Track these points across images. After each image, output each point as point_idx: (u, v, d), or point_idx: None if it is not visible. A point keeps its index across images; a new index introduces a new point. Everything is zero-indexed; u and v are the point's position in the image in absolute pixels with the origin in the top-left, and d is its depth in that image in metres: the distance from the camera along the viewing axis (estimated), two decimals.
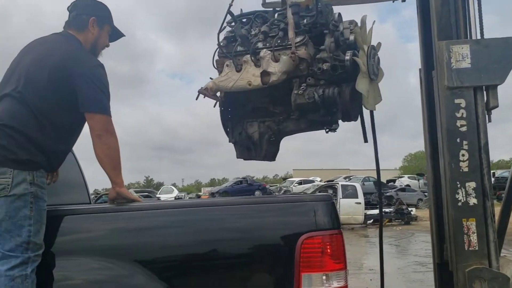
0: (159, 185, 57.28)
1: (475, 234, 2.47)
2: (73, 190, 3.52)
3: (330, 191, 17.54)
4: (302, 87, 2.68)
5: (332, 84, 2.67)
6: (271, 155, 2.97)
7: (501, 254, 3.64)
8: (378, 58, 2.85)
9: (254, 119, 2.91)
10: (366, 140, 2.94)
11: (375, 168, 3.11)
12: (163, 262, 2.11)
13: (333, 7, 2.84)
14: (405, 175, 40.84)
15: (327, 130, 2.89)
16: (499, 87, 2.56)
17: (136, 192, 26.40)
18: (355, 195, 17.00)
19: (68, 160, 3.48)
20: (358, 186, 17.83)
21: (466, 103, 2.53)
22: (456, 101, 2.53)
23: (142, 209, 2.31)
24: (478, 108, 2.53)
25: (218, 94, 2.87)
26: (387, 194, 23.25)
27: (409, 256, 10.09)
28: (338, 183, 18.42)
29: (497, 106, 2.55)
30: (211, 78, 2.85)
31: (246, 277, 2.08)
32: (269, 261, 2.08)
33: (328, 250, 1.99)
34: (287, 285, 1.98)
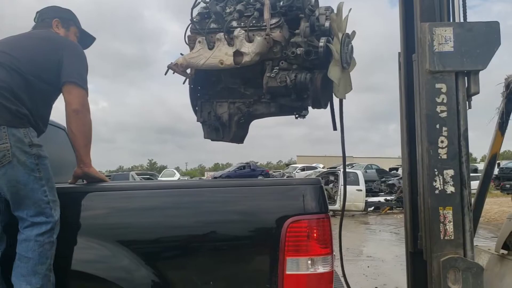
0: (162, 169, 57.11)
1: (451, 223, 2.41)
2: (68, 171, 3.51)
3: (332, 178, 17.48)
4: (274, 70, 2.65)
5: (304, 69, 2.63)
6: (239, 138, 2.96)
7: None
8: (352, 47, 2.79)
9: (224, 99, 2.88)
10: (335, 128, 2.89)
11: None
12: (147, 244, 2.09)
13: None
14: None
15: (296, 116, 2.88)
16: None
17: (138, 174, 26.43)
18: (356, 182, 16.89)
19: (62, 140, 3.47)
20: (360, 173, 17.76)
21: (447, 88, 2.44)
22: (437, 85, 2.45)
23: (124, 189, 2.30)
24: (459, 94, 2.45)
25: (189, 71, 2.82)
26: (389, 182, 23.14)
27: None
28: (340, 170, 18.31)
29: (478, 93, 2.47)
30: (181, 54, 2.80)
31: (230, 260, 2.05)
32: (254, 244, 2.05)
33: (315, 235, 1.96)
34: (271, 269, 1.95)
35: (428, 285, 2.50)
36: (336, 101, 2.87)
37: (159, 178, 29.45)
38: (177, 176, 32.90)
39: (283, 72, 2.64)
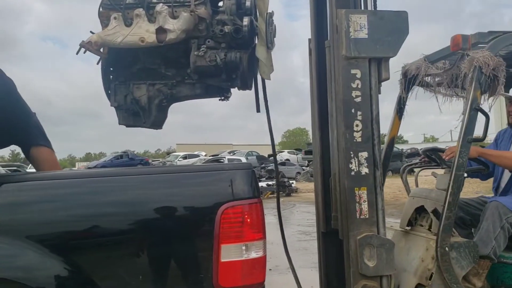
0: (26, 160, 51.99)
1: (366, 202, 2.53)
2: None
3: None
4: (202, 49, 2.53)
5: (232, 48, 2.55)
6: (159, 122, 2.78)
7: None
8: (275, 26, 2.78)
9: (142, 81, 2.67)
10: (258, 110, 2.86)
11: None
12: (61, 237, 1.86)
13: None
14: (285, 150, 42.61)
15: (222, 98, 2.80)
16: None
17: (2, 167, 23.75)
18: None
19: None
20: (244, 160, 18.20)
21: (362, 74, 2.54)
22: (352, 71, 2.53)
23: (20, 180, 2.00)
24: (371, 80, 2.56)
25: (102, 50, 2.56)
26: (269, 167, 24.04)
27: (293, 226, 10.51)
28: (224, 157, 18.56)
29: (388, 79, 2.61)
30: (92, 32, 2.53)
31: (161, 251, 1.91)
32: (186, 234, 1.95)
33: (248, 220, 1.92)
34: (206, 258, 1.88)
35: (345, 262, 2.61)
36: (259, 83, 2.83)
37: (27, 170, 26.81)
38: None
39: (212, 51, 2.53)
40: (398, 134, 3.74)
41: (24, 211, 1.86)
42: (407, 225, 3.35)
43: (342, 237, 2.65)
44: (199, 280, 1.91)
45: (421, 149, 4.04)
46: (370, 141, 2.56)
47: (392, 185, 15.33)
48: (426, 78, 3.36)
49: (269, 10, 2.71)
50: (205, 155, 33.08)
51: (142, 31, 2.45)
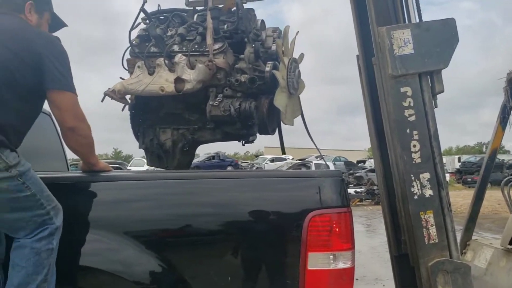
0: (127, 158, 54.43)
1: (434, 226, 2.37)
2: (52, 158, 3.39)
3: (304, 169, 17.58)
4: (218, 98, 2.55)
5: (250, 96, 2.55)
6: (185, 165, 2.83)
7: (473, 237, 3.63)
8: (299, 72, 2.72)
9: (167, 125, 2.75)
10: (284, 152, 2.81)
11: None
12: (152, 236, 1.98)
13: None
14: None
15: (243, 142, 2.80)
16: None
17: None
18: None
19: (47, 127, 3.30)
20: (331, 165, 17.89)
21: (413, 91, 2.40)
22: (402, 90, 2.41)
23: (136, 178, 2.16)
24: (424, 95, 2.42)
25: (128, 96, 2.68)
26: (357, 174, 23.41)
27: (381, 236, 10.13)
28: (311, 162, 18.39)
29: (442, 91, 2.44)
30: (121, 78, 2.66)
31: (249, 254, 1.97)
32: (274, 238, 1.97)
33: (336, 229, 1.90)
34: (293, 265, 1.88)
35: None
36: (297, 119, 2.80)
37: (128, 168, 28.36)
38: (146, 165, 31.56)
39: (227, 100, 2.54)
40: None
41: (124, 209, 2.00)
42: (510, 244, 3.08)
43: (413, 264, 2.50)
44: (285, 286, 1.90)
45: None
46: (431, 160, 2.41)
47: (491, 198, 14.19)
48: None
49: (296, 54, 2.68)
50: (292, 159, 32.92)
51: (162, 81, 2.52)
